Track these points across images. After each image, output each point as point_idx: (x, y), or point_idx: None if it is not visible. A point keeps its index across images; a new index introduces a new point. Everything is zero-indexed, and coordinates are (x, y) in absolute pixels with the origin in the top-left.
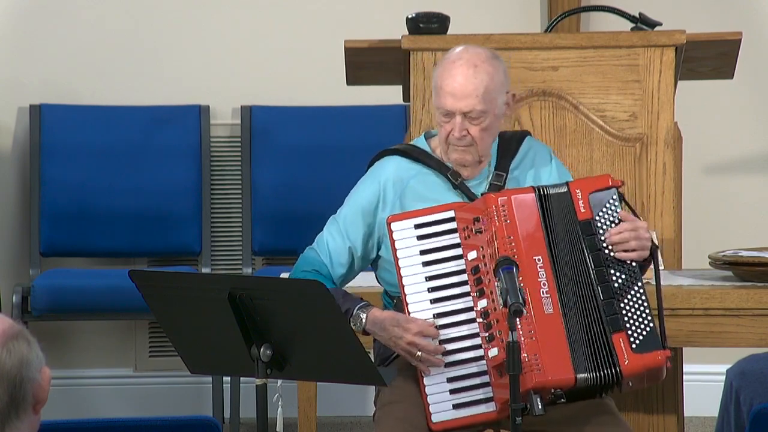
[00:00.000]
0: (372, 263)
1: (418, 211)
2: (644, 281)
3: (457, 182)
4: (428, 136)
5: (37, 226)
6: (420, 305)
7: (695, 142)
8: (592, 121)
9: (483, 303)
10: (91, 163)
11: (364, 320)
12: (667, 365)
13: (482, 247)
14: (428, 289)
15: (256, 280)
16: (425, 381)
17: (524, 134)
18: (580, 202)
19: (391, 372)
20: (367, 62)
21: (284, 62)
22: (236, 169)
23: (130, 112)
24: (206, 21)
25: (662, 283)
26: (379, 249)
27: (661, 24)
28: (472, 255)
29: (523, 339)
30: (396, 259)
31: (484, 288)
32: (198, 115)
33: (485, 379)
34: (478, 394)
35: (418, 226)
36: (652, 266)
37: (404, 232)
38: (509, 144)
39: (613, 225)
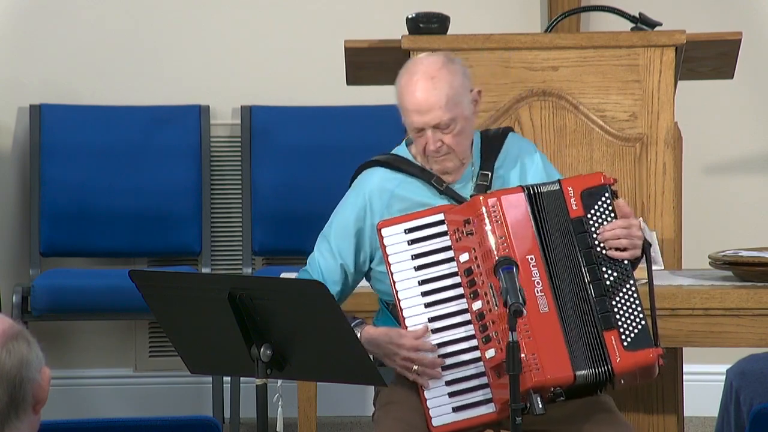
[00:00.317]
0: (365, 276)
1: (407, 215)
2: (637, 281)
3: (442, 188)
4: (409, 143)
5: (37, 226)
6: (414, 310)
7: (695, 142)
8: (592, 121)
9: (478, 305)
10: (91, 163)
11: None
12: (660, 362)
13: (474, 249)
14: (422, 293)
15: (256, 280)
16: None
17: (507, 131)
18: (572, 200)
19: (391, 372)
20: (367, 62)
21: (284, 62)
22: (236, 169)
23: (130, 112)
24: (206, 21)
25: (662, 283)
26: (371, 261)
27: (661, 24)
28: (464, 257)
29: (520, 339)
30: (388, 264)
31: (478, 290)
32: (198, 115)
33: (484, 380)
34: (477, 396)
35: (408, 231)
36: (644, 265)
37: (395, 237)
38: (492, 142)
39: (605, 223)
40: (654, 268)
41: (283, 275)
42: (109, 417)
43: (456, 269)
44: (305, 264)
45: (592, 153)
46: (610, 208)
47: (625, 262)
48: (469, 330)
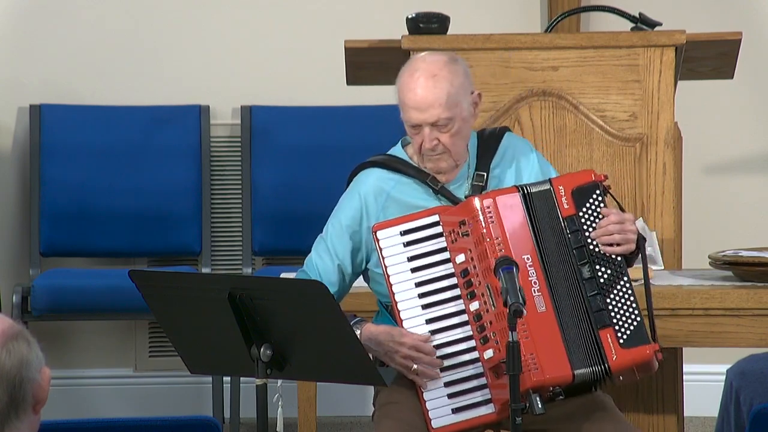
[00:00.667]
0: (363, 276)
1: (403, 217)
2: (635, 280)
3: (437, 188)
4: (405, 144)
5: (37, 226)
6: (411, 312)
7: (695, 142)
8: (592, 121)
9: (475, 305)
10: (91, 163)
11: (358, 336)
12: (657, 357)
13: (470, 250)
14: (418, 295)
15: (256, 280)
16: (423, 387)
17: (503, 131)
18: (563, 198)
19: (390, 372)
20: (367, 62)
21: (284, 62)
22: (236, 169)
23: (130, 112)
24: (206, 21)
25: (662, 283)
26: (368, 262)
27: (661, 24)
28: (460, 258)
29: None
30: (384, 267)
31: (475, 290)
32: (198, 115)
33: (482, 381)
34: (476, 397)
35: (404, 233)
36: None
37: (391, 240)
38: (488, 142)
39: (597, 219)
40: (654, 268)
41: (283, 275)
42: (109, 417)
43: (452, 270)
44: (304, 264)
45: (592, 153)
46: (602, 205)
47: (619, 258)
48: (466, 331)
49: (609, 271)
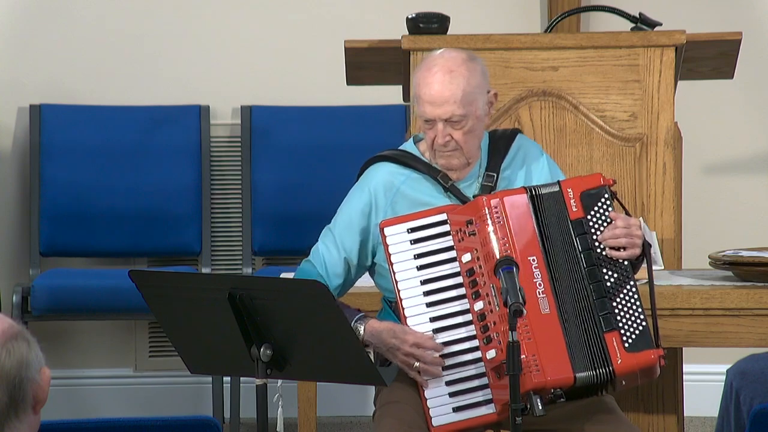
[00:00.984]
0: (369, 270)
1: (410, 215)
2: (638, 281)
3: (447, 185)
4: (417, 140)
5: (37, 226)
6: (416, 309)
7: (695, 142)
8: (592, 121)
9: (479, 305)
10: (91, 163)
11: (362, 332)
12: (661, 363)
13: (476, 250)
14: (424, 292)
15: (256, 280)
16: (424, 385)
17: (515, 133)
18: (572, 201)
19: (391, 372)
20: (367, 62)
21: (284, 62)
22: (236, 169)
23: (130, 112)
24: (206, 21)
25: (662, 283)
26: (374, 256)
27: (661, 24)
28: (467, 257)
29: (521, 340)
30: (390, 263)
31: (480, 290)
32: (198, 115)
33: (484, 381)
34: (477, 397)
35: (411, 230)
36: (645, 265)
37: (398, 237)
38: (499, 143)
39: (605, 224)
40: (654, 268)
41: (283, 275)
42: (109, 417)
43: (458, 269)
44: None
45: (592, 153)
46: (610, 209)
47: (625, 263)
48: (470, 330)
49: (615, 275)
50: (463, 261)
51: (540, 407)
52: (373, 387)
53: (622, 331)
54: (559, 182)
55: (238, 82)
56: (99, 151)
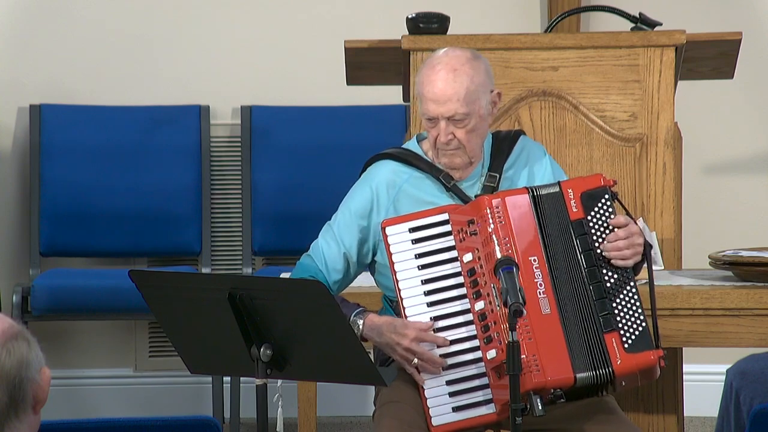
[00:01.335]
0: (369, 268)
1: (412, 214)
2: (638, 282)
3: (449, 185)
4: (420, 139)
5: (37, 226)
6: (417, 309)
7: (695, 142)
8: (592, 121)
9: (480, 305)
10: (91, 163)
11: (361, 326)
12: (661, 364)
13: (477, 249)
14: (425, 292)
15: (256, 280)
16: (425, 384)
17: (518, 134)
18: (572, 201)
19: (391, 372)
20: (367, 62)
21: (284, 62)
22: (236, 169)
23: (130, 112)
24: (206, 21)
25: (662, 283)
26: (374, 254)
27: (661, 24)
28: (468, 257)
29: (521, 340)
30: (392, 263)
31: (481, 290)
32: (198, 115)
33: (484, 380)
34: (477, 396)
35: (412, 230)
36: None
37: (399, 236)
38: (503, 144)
39: (605, 225)
40: (654, 268)
41: (283, 275)
42: (109, 417)
43: (459, 269)
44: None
45: (592, 153)
46: (610, 209)
47: None
48: (470, 330)
49: (615, 276)
50: (464, 261)
51: (540, 407)
52: (373, 387)
53: (622, 332)
54: (559, 183)
55: (238, 82)
56: (99, 151)
